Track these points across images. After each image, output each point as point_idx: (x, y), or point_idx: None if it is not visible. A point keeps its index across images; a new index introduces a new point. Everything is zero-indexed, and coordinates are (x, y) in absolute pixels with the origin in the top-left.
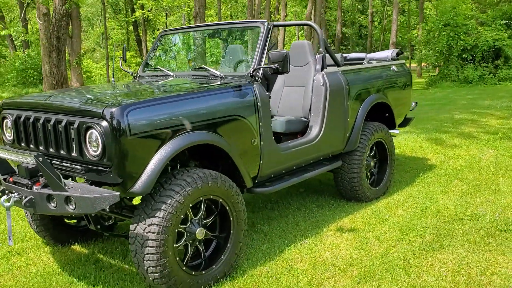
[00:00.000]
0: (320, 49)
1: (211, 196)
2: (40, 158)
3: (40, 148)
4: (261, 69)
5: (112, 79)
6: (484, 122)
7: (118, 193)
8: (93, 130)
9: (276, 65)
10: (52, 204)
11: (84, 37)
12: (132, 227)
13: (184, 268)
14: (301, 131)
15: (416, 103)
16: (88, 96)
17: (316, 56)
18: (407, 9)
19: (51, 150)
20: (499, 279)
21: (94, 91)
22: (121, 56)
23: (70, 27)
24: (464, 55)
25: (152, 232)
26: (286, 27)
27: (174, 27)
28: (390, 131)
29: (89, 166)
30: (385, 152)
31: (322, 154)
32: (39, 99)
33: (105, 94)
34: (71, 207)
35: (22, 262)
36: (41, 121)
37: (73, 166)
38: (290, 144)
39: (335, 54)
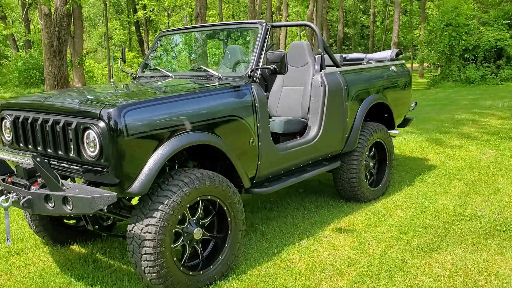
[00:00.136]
0: (319, 49)
1: (209, 197)
2: (38, 159)
3: (39, 148)
4: (259, 69)
5: (111, 79)
6: (485, 123)
7: (115, 193)
8: (90, 131)
9: (274, 65)
10: (50, 205)
11: (86, 37)
12: (129, 227)
13: (181, 268)
14: (300, 132)
15: (416, 103)
16: (86, 96)
17: (315, 56)
18: (409, 9)
19: (49, 150)
20: (497, 280)
21: (92, 91)
22: (121, 56)
23: (72, 27)
24: (466, 55)
25: (149, 232)
26: (288, 28)
27: (173, 28)
28: (389, 131)
29: (86, 166)
30: (384, 152)
31: (321, 155)
32: (38, 100)
33: (103, 95)
34: (68, 207)
35: (21, 262)
36: (39, 122)
37: (71, 166)
38: (288, 145)
39: (335, 55)
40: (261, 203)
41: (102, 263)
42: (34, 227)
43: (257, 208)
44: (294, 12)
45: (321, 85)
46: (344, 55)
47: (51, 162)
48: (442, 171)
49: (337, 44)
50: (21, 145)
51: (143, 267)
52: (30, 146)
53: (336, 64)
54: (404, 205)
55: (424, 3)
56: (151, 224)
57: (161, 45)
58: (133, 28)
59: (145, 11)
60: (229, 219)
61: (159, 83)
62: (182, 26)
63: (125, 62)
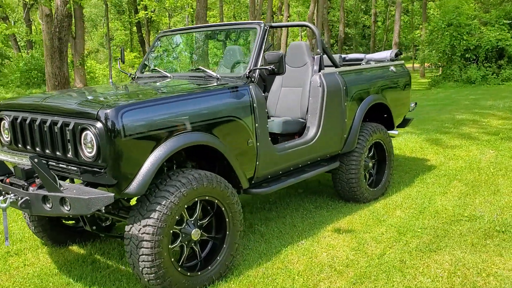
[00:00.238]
0: (318, 50)
1: (207, 197)
2: (35, 159)
3: (37, 149)
4: (258, 70)
5: (110, 80)
6: (486, 123)
7: (113, 194)
8: (88, 131)
9: (272, 66)
10: (48, 205)
11: (88, 38)
12: (127, 228)
13: (179, 269)
14: (299, 132)
15: (416, 103)
16: (83, 97)
17: (314, 57)
18: (411, 9)
19: (47, 151)
20: (495, 281)
21: (91, 92)
22: (120, 57)
23: (74, 28)
24: (467, 55)
25: (147, 233)
26: (289, 28)
27: (172, 28)
28: (389, 132)
29: (84, 167)
30: (383, 153)
31: (319, 155)
32: (36, 100)
33: (100, 95)
34: (66, 208)
35: (20, 262)
36: (37, 123)
37: (69, 167)
38: (287, 145)
39: (334, 55)
40: (260, 204)
41: (100, 264)
42: (33, 227)
43: (256, 209)
44: (295, 12)
45: (320, 86)
46: (343, 56)
47: (50, 163)
48: (442, 172)
49: (338, 44)
50: (19, 146)
51: (140, 268)
52: (28, 147)
53: (335, 65)
54: (403, 206)
55: (425, 3)
56: (149, 225)
57: (160, 45)
58: (135, 28)
59: (146, 12)
60: (227, 219)
61: (157, 83)
62: (182, 27)
63: (124, 63)
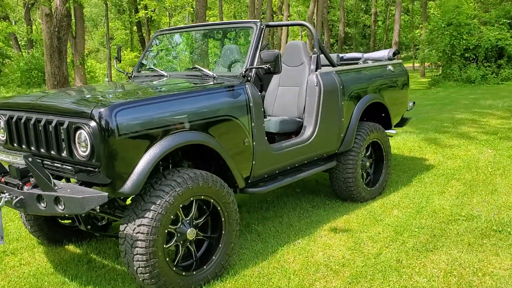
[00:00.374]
0: (314, 49)
1: (202, 197)
2: (30, 159)
3: (32, 148)
4: (254, 69)
5: (107, 79)
6: (485, 122)
7: (107, 193)
8: (82, 131)
9: (268, 65)
10: (42, 205)
11: (88, 37)
12: (122, 227)
13: (174, 268)
14: (296, 131)
15: (414, 103)
16: (78, 96)
17: (311, 56)
18: (411, 9)
19: (42, 150)
20: (491, 280)
21: (86, 91)
22: (116, 56)
23: (74, 27)
24: (466, 55)
25: (142, 233)
26: (290, 28)
27: (169, 27)
28: (386, 131)
29: (78, 166)
30: (381, 152)
31: (316, 154)
32: (31, 100)
33: (95, 94)
34: (60, 207)
35: (15, 262)
36: (32, 122)
37: (64, 166)
38: (283, 145)
39: (332, 54)
40: (257, 203)
41: (96, 263)
42: (29, 227)
43: (254, 208)
44: (295, 12)
45: (317, 85)
46: (341, 55)
47: (45, 162)
48: (440, 171)
49: (338, 44)
50: (15, 145)
51: (135, 267)
52: (23, 146)
53: (332, 64)
54: (400, 205)
55: (425, 3)
56: (143, 225)
57: (156, 44)
58: (135, 28)
59: (146, 11)
60: (223, 219)
61: (154, 82)
62: (178, 26)
63: (120, 62)
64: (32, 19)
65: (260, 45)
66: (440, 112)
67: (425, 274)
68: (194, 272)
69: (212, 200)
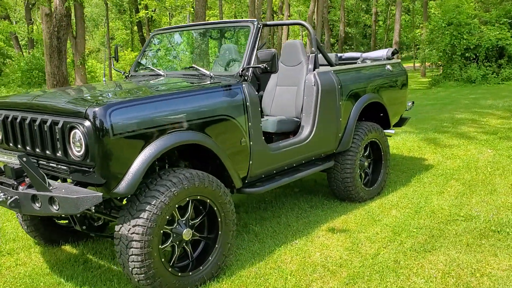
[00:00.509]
0: (312, 48)
1: (198, 197)
2: (24, 158)
3: (27, 148)
4: (251, 68)
5: (104, 78)
6: (484, 122)
7: (101, 193)
8: (76, 130)
9: (264, 64)
10: (37, 205)
11: (89, 37)
12: (117, 227)
13: (170, 269)
14: (293, 131)
15: (413, 102)
16: (74, 95)
17: (309, 55)
18: (412, 8)
19: (37, 150)
20: (489, 281)
21: (82, 90)
22: (113, 56)
23: (74, 27)
24: (467, 55)
25: (137, 233)
26: (290, 27)
27: (166, 27)
28: (385, 131)
29: (73, 166)
30: (379, 152)
31: (314, 154)
32: (26, 99)
33: (91, 94)
34: (55, 207)
35: (12, 262)
36: (27, 121)
37: (59, 166)
38: (281, 144)
39: (330, 54)
40: (255, 203)
41: (92, 264)
42: (26, 227)
43: (252, 208)
44: (296, 11)
45: (314, 85)
46: (339, 54)
47: (40, 162)
48: (439, 171)
49: (339, 44)
50: (10, 144)
51: (130, 268)
52: (19, 146)
53: (330, 63)
54: (399, 205)
55: (426, 2)
56: (138, 225)
57: (154, 44)
58: (136, 28)
59: (147, 11)
60: (219, 219)
61: (150, 82)
62: (175, 25)
63: (117, 61)
64: (32, 19)
65: (257, 45)
66: (440, 112)
67: (423, 275)
68: (190, 273)
69: (208, 201)
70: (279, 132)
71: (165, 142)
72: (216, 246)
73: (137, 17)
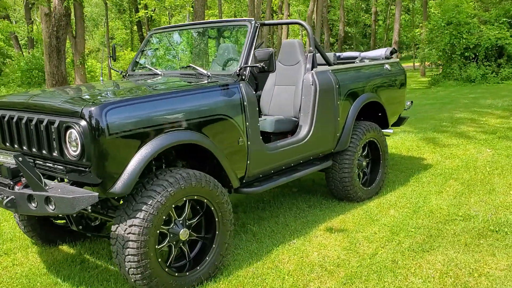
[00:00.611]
0: (310, 48)
1: (195, 197)
2: (20, 158)
3: (24, 148)
4: (248, 68)
5: (101, 78)
6: (484, 121)
7: (97, 193)
8: (72, 130)
9: (262, 64)
10: (33, 205)
11: (89, 37)
12: (113, 227)
13: (166, 269)
14: (291, 131)
15: (412, 102)
16: (70, 95)
17: (307, 55)
18: (411, 8)
19: (33, 150)
20: (487, 281)
21: (78, 90)
22: (111, 55)
23: (74, 27)
24: (466, 54)
25: (133, 233)
26: (290, 27)
27: (163, 26)
28: (383, 130)
29: (69, 166)
30: (377, 151)
31: (312, 154)
32: (23, 99)
33: (87, 93)
34: (51, 207)
35: (8, 262)
36: (24, 121)
37: (55, 166)
38: (279, 144)
39: (328, 53)
40: (254, 203)
41: (89, 264)
42: (23, 227)
43: (250, 208)
44: (296, 11)
45: (312, 84)
46: (338, 54)
47: (37, 162)
48: (438, 171)
49: (338, 43)
50: (7, 144)
51: (127, 268)
52: (15, 146)
53: (328, 63)
54: (397, 205)
55: (425, 2)
56: (135, 225)
57: (151, 43)
58: (135, 27)
59: (146, 11)
60: (216, 219)
61: (147, 81)
62: (172, 24)
63: (115, 60)
64: (32, 19)
65: (254, 44)
66: (439, 111)
67: (420, 275)
68: (187, 273)
69: (205, 200)
70: (277, 132)
71: (161, 142)
72: (214, 246)
73: (137, 16)
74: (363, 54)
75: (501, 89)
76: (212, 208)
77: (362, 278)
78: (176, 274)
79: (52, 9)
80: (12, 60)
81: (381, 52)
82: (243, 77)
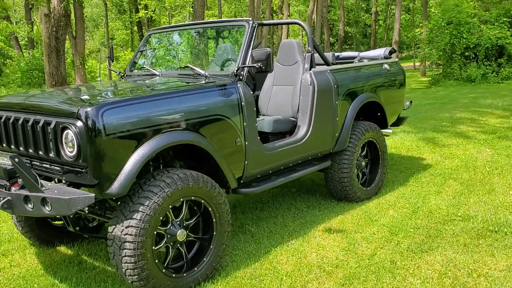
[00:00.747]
0: (308, 47)
1: (193, 197)
2: (16, 159)
3: (20, 148)
4: (246, 68)
5: (99, 78)
6: (484, 121)
7: (93, 194)
8: (69, 131)
9: (259, 64)
10: (29, 206)
11: (89, 37)
12: (110, 228)
13: (163, 270)
14: (290, 131)
15: (411, 102)
16: (67, 95)
17: (305, 55)
18: (412, 8)
19: (30, 151)
20: (486, 281)
21: (75, 90)
22: (109, 55)
23: (74, 27)
24: (467, 54)
25: (130, 234)
26: (290, 27)
27: (161, 26)
28: (382, 130)
29: (66, 167)
30: (377, 151)
31: (310, 154)
32: (20, 99)
33: (84, 94)
34: (47, 208)
35: (6, 263)
36: (20, 122)
37: (52, 167)
38: (277, 144)
39: (327, 53)
40: (252, 203)
41: (87, 265)
42: (20, 228)
43: (248, 208)
44: (296, 11)
45: (310, 84)
46: (336, 54)
47: (34, 162)
48: (437, 171)
49: (338, 43)
50: (4, 145)
51: (124, 269)
52: (12, 147)
53: (326, 63)
54: (396, 205)
55: (426, 1)
56: (131, 226)
57: (149, 43)
58: (135, 28)
59: (146, 11)
60: (214, 220)
61: (145, 81)
62: (171, 24)
63: (113, 61)
64: (32, 20)
65: (252, 44)
66: (439, 111)
67: (419, 276)
68: (185, 274)
69: (203, 201)
70: (275, 132)
71: (158, 142)
72: (211, 247)
73: (137, 17)
74: (362, 54)
75: (501, 89)
76: (210, 209)
77: (361, 279)
78: (174, 275)
79: (51, 9)
80: (13, 61)
81: (380, 52)
82: (241, 77)
